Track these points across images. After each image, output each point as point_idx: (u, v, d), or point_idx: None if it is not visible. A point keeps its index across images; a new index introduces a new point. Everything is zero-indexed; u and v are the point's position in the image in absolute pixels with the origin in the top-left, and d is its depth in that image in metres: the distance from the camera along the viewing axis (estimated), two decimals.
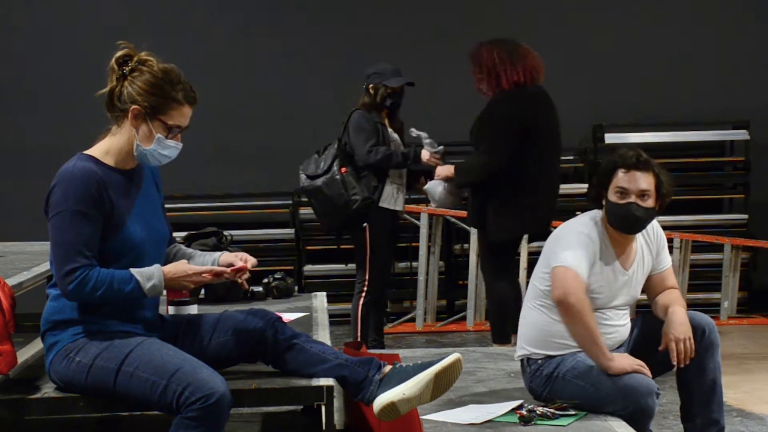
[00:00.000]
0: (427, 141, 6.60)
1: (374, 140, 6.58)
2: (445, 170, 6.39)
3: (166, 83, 3.53)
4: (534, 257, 8.39)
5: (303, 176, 6.71)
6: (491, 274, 6.38)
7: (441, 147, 6.59)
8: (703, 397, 4.31)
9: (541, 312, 4.36)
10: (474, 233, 7.96)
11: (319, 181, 6.62)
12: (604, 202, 4.31)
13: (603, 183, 4.31)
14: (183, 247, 3.87)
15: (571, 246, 4.21)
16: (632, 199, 4.23)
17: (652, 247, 4.42)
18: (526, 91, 6.16)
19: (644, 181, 4.24)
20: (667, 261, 4.48)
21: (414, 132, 6.64)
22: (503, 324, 6.38)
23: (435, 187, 6.43)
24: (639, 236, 4.38)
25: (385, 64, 6.73)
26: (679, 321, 4.22)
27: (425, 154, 6.60)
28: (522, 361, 4.46)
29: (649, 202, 4.25)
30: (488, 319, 6.70)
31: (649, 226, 4.38)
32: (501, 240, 6.24)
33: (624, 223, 4.27)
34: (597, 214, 4.35)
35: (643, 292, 4.49)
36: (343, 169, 6.61)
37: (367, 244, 6.66)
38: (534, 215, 6.25)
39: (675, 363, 4.19)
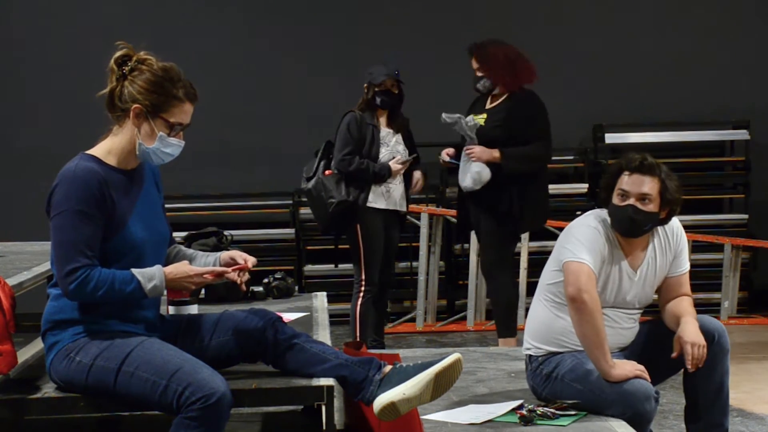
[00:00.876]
0: (465, 122, 6.45)
1: (351, 148, 6.64)
2: (485, 153, 6.33)
3: (166, 81, 3.54)
4: (534, 257, 8.48)
5: (304, 177, 6.81)
6: (503, 267, 6.44)
7: (475, 122, 6.48)
8: (708, 400, 4.28)
9: (545, 307, 4.35)
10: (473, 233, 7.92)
11: (310, 184, 6.72)
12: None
13: (609, 185, 4.31)
14: (183, 248, 3.86)
15: (582, 240, 4.20)
16: (631, 201, 4.21)
17: (669, 250, 4.36)
18: None
19: (647, 185, 4.22)
20: (684, 265, 4.41)
21: (447, 118, 6.49)
22: (512, 318, 6.53)
23: (483, 168, 6.33)
24: (653, 237, 4.35)
25: (380, 64, 6.79)
26: (694, 331, 4.18)
27: (395, 167, 6.65)
28: (526, 357, 4.46)
29: (650, 207, 4.22)
30: (494, 316, 6.66)
31: (668, 228, 4.35)
32: (531, 229, 6.70)
33: (620, 226, 4.25)
34: (605, 211, 4.34)
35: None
36: (327, 172, 6.68)
37: (360, 245, 6.70)
38: (549, 206, 6.69)
39: (690, 367, 4.16)
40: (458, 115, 6.40)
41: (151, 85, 3.52)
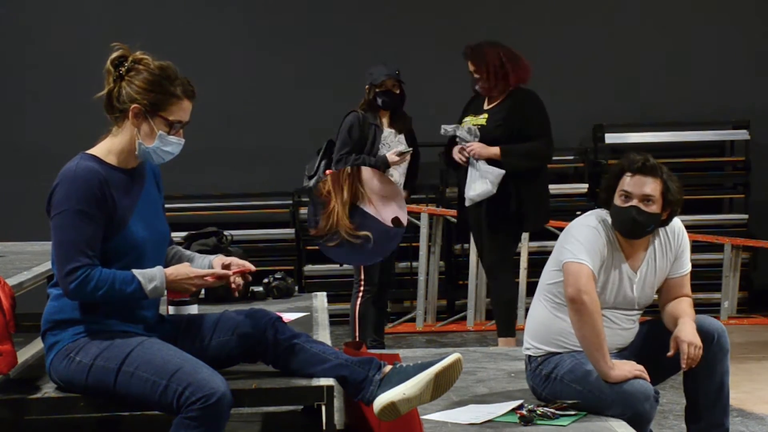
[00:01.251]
0: (461, 132, 6.45)
1: (348, 149, 6.63)
2: (485, 149, 6.30)
3: (164, 79, 3.54)
4: (534, 257, 8.48)
5: (306, 176, 6.82)
6: (504, 267, 6.45)
7: (469, 126, 6.47)
8: (709, 400, 4.28)
9: (545, 307, 4.35)
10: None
11: (311, 182, 6.72)
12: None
13: (611, 186, 4.30)
14: (181, 249, 3.86)
15: (582, 240, 4.19)
16: (634, 203, 4.21)
17: (670, 251, 4.36)
18: None
19: (649, 186, 4.21)
20: (686, 266, 4.40)
21: (446, 129, 6.50)
22: (512, 318, 6.56)
23: (500, 172, 6.31)
24: (654, 238, 4.34)
25: (381, 64, 6.79)
26: (691, 331, 4.18)
27: (392, 158, 6.64)
28: (525, 357, 4.46)
29: (653, 208, 4.22)
30: (494, 315, 6.65)
31: (669, 229, 4.35)
32: (533, 229, 6.73)
33: (623, 227, 4.25)
34: (606, 212, 4.33)
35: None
36: (327, 172, 6.67)
37: None
38: (550, 206, 6.65)
39: (684, 366, 4.15)
40: (454, 125, 6.44)
41: (148, 84, 3.52)
